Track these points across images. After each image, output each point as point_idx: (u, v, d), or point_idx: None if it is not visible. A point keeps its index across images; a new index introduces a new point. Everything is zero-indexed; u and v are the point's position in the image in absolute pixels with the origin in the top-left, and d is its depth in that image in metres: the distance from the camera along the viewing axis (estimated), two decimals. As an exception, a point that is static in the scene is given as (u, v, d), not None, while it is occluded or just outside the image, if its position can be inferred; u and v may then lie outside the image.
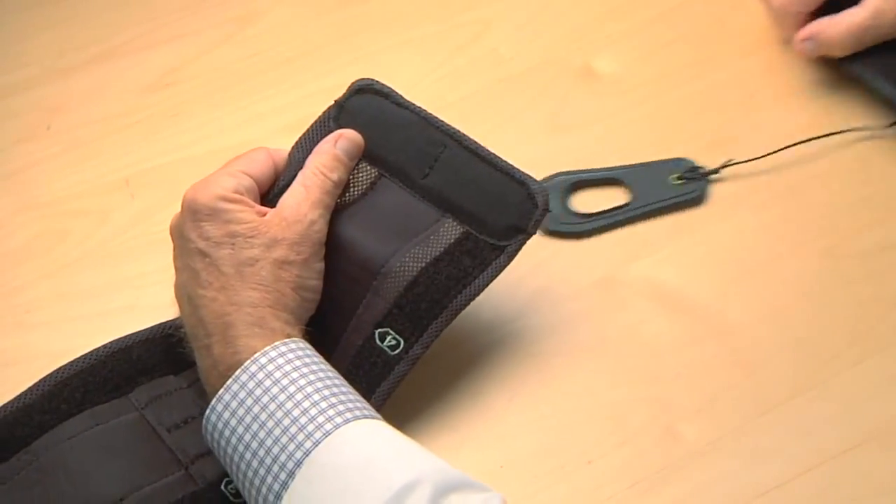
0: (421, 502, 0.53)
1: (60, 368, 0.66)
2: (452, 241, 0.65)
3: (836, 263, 0.72)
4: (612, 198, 0.76)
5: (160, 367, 0.66)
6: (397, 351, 0.64)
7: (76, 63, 0.86)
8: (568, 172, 0.77)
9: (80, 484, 0.60)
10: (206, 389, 0.61)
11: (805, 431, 0.66)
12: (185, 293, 0.63)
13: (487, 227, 0.65)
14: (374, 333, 0.64)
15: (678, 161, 0.77)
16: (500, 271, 0.65)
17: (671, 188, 0.76)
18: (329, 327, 0.65)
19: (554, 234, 0.74)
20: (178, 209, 0.65)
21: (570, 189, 0.76)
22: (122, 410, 0.64)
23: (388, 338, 0.64)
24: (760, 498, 0.63)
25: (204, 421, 0.59)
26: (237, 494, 0.61)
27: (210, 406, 0.59)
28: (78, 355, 0.67)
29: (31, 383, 0.65)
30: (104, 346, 0.67)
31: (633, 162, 0.77)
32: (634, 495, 0.64)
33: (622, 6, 0.87)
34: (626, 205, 0.75)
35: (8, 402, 0.64)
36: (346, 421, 0.57)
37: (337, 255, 0.65)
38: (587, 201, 0.76)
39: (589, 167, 0.77)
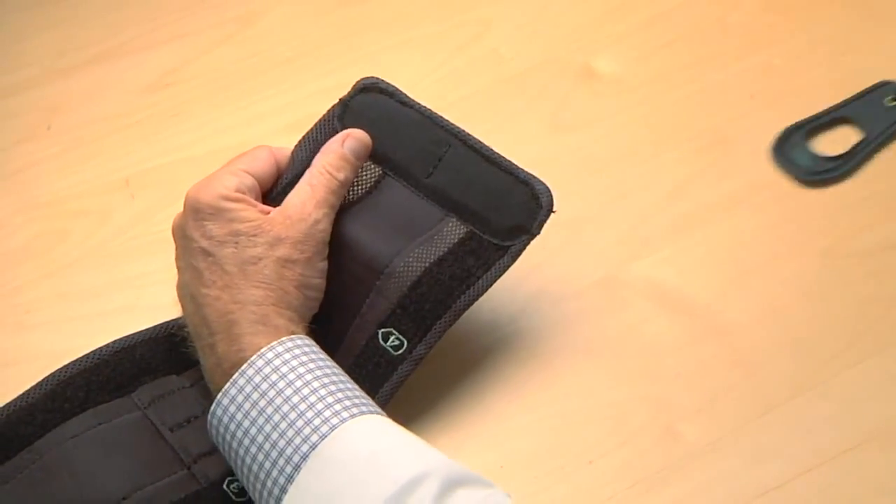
0: (428, 496, 0.53)
1: (63, 367, 0.66)
2: (456, 240, 0.65)
3: (836, 263, 0.73)
4: (841, 137, 0.79)
5: (163, 367, 0.66)
6: (401, 351, 0.64)
7: (76, 63, 0.86)
8: (797, 124, 0.79)
9: (83, 483, 0.61)
10: (210, 388, 0.61)
11: (805, 431, 0.66)
12: (188, 292, 0.63)
13: (491, 227, 0.65)
14: (377, 333, 0.64)
15: (884, 85, 0.80)
16: (504, 271, 0.65)
17: (892, 111, 0.78)
18: (332, 326, 0.65)
19: (811, 184, 0.76)
20: (179, 209, 0.65)
21: (805, 138, 0.78)
22: (124, 410, 0.64)
23: (392, 338, 0.64)
24: (760, 498, 0.63)
25: (209, 416, 0.59)
26: (240, 493, 0.61)
27: (215, 401, 0.59)
28: (78, 355, 0.66)
29: (31, 383, 0.65)
30: (107, 346, 0.67)
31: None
32: (634, 495, 0.64)
33: (622, 6, 0.87)
34: (863, 140, 0.78)
35: (11, 401, 0.64)
36: (353, 416, 0.57)
37: (340, 254, 0.65)
38: (819, 147, 0.78)
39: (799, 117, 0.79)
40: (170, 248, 0.67)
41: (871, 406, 0.67)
